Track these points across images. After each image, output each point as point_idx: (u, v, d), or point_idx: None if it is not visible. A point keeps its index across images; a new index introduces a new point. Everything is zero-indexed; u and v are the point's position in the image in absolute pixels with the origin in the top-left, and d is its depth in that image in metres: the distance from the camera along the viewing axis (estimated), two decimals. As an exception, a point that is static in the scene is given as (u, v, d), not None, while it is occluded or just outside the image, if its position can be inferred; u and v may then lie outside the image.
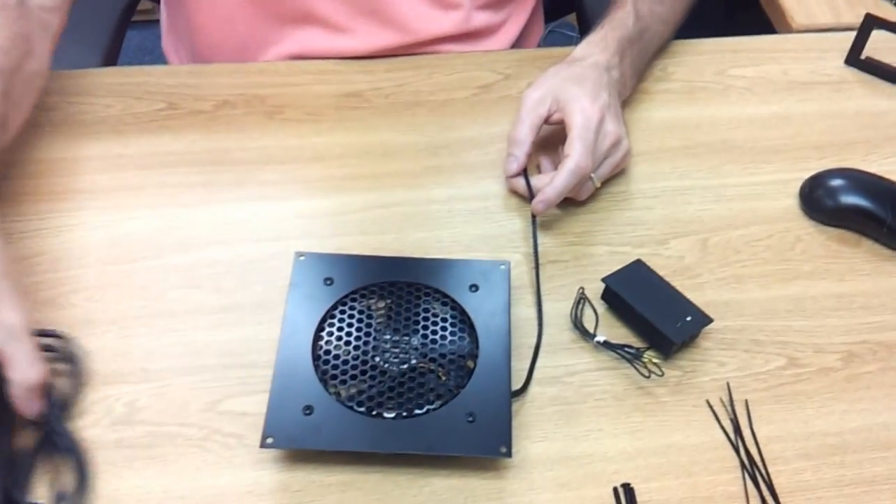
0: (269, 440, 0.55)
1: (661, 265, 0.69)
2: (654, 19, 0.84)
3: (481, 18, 0.91)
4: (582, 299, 0.68)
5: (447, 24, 0.88)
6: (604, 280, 0.67)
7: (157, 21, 1.02)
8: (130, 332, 0.65)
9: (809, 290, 0.70)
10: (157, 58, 1.04)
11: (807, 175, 0.77)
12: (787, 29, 1.01)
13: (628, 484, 0.58)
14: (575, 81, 0.74)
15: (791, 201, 0.76)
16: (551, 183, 0.70)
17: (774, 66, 0.89)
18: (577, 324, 0.67)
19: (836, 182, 0.75)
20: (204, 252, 0.70)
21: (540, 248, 0.71)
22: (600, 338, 0.65)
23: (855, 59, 0.89)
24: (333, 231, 0.73)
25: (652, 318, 0.64)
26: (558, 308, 0.68)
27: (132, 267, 0.68)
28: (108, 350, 0.63)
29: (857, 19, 0.88)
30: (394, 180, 0.77)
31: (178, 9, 0.92)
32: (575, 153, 0.70)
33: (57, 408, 0.58)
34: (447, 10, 0.88)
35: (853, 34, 0.88)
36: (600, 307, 0.68)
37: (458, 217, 0.74)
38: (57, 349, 0.62)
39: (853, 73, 0.89)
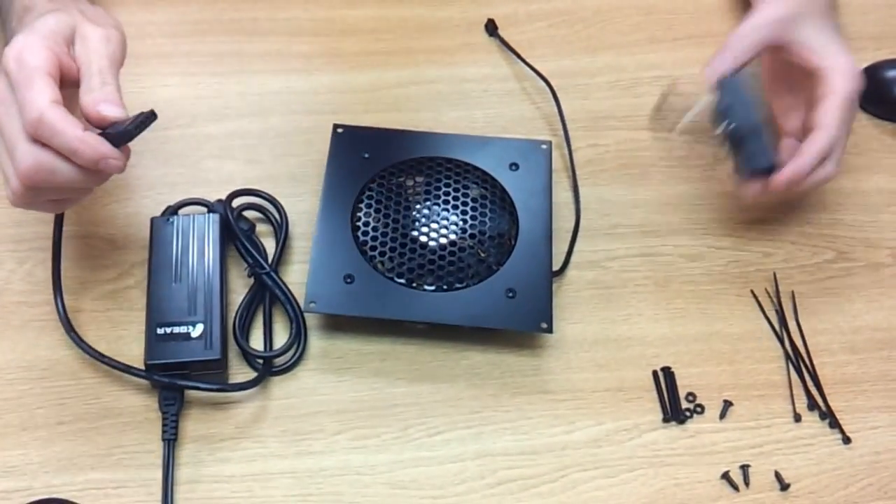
0: (312, 304, 0.54)
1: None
2: None
3: None
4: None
5: None
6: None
7: None
8: (168, 198, 0.62)
9: (861, 184, 0.67)
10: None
11: (862, 66, 0.73)
12: None
13: (668, 367, 0.57)
14: (814, 19, 0.59)
15: (845, 93, 0.73)
16: (797, 160, 0.56)
17: (830, -50, 0.84)
18: (619, 209, 0.65)
19: (893, 74, 0.72)
20: (237, 122, 0.68)
21: (580, 132, 0.68)
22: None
23: (917, -55, 0.84)
24: (367, 107, 0.70)
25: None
26: (599, 193, 0.66)
27: (166, 134, 0.66)
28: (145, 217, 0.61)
29: None
30: (428, 56, 0.74)
31: None
32: (829, 126, 0.56)
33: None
34: None
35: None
36: (643, 193, 0.66)
37: (493, 97, 0.72)
38: None
39: (914, -39, 0.84)
